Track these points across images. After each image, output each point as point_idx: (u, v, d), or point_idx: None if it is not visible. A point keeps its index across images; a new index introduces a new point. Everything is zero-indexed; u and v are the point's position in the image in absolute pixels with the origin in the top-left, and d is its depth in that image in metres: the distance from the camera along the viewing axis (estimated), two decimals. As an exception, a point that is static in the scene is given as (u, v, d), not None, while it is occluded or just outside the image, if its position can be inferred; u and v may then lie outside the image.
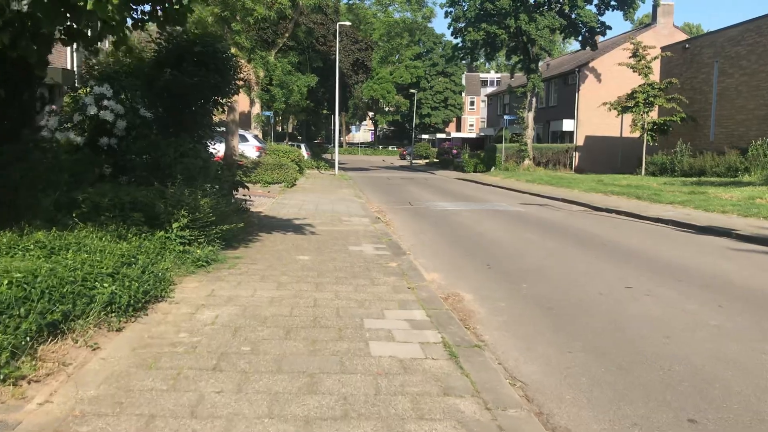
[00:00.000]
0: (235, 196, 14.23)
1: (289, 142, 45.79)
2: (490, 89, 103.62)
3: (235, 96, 13.34)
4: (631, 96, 33.93)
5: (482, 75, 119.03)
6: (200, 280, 7.16)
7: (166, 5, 6.44)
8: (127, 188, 8.13)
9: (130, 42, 9.73)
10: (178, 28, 9.88)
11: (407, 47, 52.61)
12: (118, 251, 6.18)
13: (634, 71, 34.16)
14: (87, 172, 9.96)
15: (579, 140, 46.51)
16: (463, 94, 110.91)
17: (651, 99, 33.10)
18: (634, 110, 33.53)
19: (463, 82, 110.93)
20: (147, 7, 6.61)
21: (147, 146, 9.63)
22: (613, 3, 40.56)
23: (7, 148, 7.19)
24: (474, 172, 44.57)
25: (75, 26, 6.25)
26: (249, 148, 28.60)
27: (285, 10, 35.42)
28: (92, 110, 11.33)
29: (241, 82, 13.05)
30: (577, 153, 46.30)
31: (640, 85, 34.02)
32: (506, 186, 29.26)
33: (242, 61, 12.40)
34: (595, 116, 45.93)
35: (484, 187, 29.72)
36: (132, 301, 5.42)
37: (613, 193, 23.27)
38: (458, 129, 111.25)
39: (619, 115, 35.49)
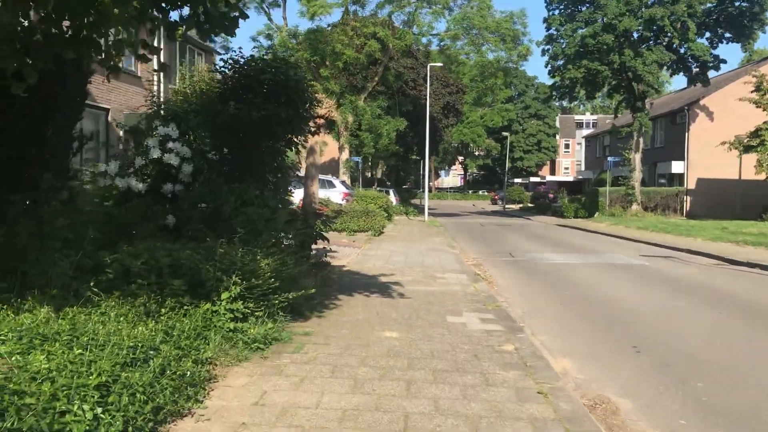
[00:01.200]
0: (316, 249, 12.53)
1: (378, 188, 44.44)
2: (585, 131, 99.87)
3: (316, 136, 11.72)
4: (756, 134, 30.47)
5: (577, 117, 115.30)
6: (251, 372, 5.29)
7: (208, 4, 4.75)
8: (170, 247, 6.45)
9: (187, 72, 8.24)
10: (233, 46, 8.34)
11: (501, 89, 50.72)
12: (131, 340, 4.40)
13: (758, 107, 30.73)
14: (142, 225, 8.48)
15: (690, 183, 42.75)
16: (557, 137, 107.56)
17: (779, 137, 29.59)
18: (759, 149, 30.01)
19: (557, 124, 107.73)
20: (185, 10, 4.94)
21: (206, 194, 8.02)
22: (728, 35, 37.27)
23: (18, 198, 5.65)
24: (575, 217, 41.60)
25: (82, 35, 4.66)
26: (336, 194, 27.22)
27: (375, 54, 34.41)
28: (156, 153, 9.96)
29: (320, 120, 11.40)
30: (688, 197, 42.52)
31: (765, 122, 30.53)
32: (616, 234, 26.41)
33: (322, 96, 10.70)
34: (707, 157, 42.13)
35: (591, 235, 26.97)
36: (131, 428, 3.57)
37: (746, 243, 20.16)
38: (552, 172, 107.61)
39: (740, 155, 31.94)
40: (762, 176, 32.86)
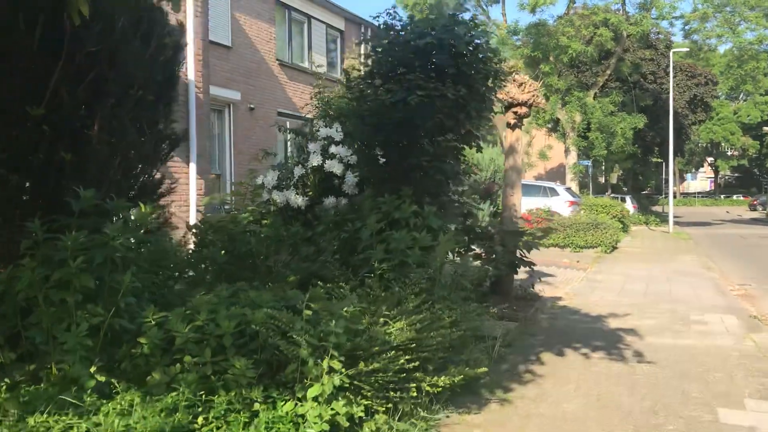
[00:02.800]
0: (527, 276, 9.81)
1: (611, 194, 39.75)
2: None
3: (516, 131, 8.97)
4: None
5: None
6: None
7: None
8: (256, 296, 4.21)
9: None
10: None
11: (764, 75, 42.88)
12: None
13: None
14: (281, 251, 6.51)
15: None
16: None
17: None
18: None
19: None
20: None
21: (341, 212, 5.78)
22: None
23: (33, 224, 3.81)
24: None
25: None
26: (560, 203, 23.90)
27: (606, 44, 30.38)
28: (316, 160, 8.02)
29: (521, 109, 8.65)
30: None
31: None
32: None
33: (519, 74, 7.96)
34: None
35: None
36: None
37: None
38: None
39: None
40: None
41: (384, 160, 6.92)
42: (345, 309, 3.75)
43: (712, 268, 15.38)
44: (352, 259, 5.29)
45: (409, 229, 5.47)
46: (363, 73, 6.65)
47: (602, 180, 57.04)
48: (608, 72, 33.37)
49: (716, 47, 34.09)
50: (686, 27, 33.15)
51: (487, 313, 6.16)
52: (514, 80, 8.51)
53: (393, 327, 3.89)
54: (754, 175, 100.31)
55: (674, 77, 43.24)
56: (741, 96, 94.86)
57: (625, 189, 54.66)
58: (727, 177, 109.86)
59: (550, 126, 35.46)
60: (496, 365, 5.78)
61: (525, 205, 21.57)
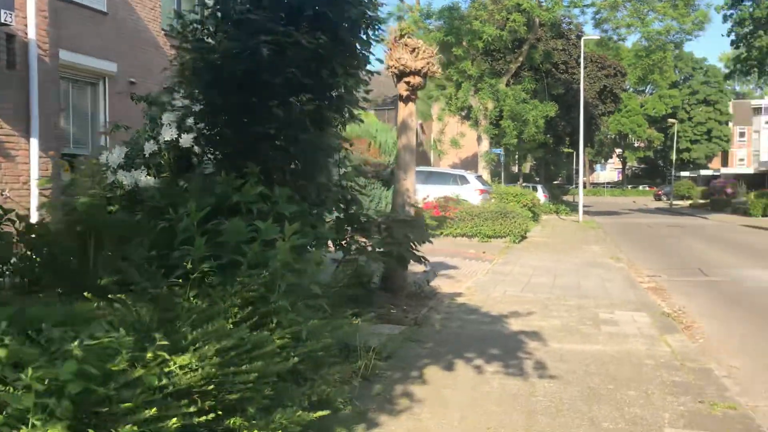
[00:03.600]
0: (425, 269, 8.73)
1: (523, 184, 39.65)
2: (764, 117, 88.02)
3: (410, 105, 7.82)
4: None
5: (754, 101, 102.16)
6: None
7: None
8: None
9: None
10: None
11: (670, 67, 43.87)
12: None
13: None
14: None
15: None
16: (731, 124, 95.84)
17: None
18: None
19: (731, 110, 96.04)
20: None
21: (165, 195, 4.45)
22: None
23: None
24: (764, 216, 34.49)
25: None
26: (470, 191, 23.11)
27: (519, 30, 29.85)
28: (170, 134, 6.60)
29: (415, 79, 7.51)
30: None
31: None
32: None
33: (412, 38, 6.76)
34: None
35: (800, 241, 20.89)
36: None
37: None
38: (723, 164, 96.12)
39: None
40: None
41: (230, 129, 5.58)
42: (90, 336, 2.44)
43: (621, 259, 14.85)
44: (170, 256, 3.98)
45: (252, 218, 4.21)
46: (204, 15, 5.28)
47: (515, 169, 57.40)
48: (521, 59, 32.99)
49: (626, 37, 34.08)
50: (597, 16, 33.07)
51: (362, 317, 4.97)
52: (405, 45, 7.35)
53: (174, 363, 2.63)
54: (659, 166, 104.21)
55: (585, 68, 43.49)
56: (647, 89, 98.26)
57: (537, 179, 55.15)
58: (634, 168, 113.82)
59: (463, 114, 34.84)
60: (365, 388, 4.61)
61: (435, 193, 20.69)
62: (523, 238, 18.93)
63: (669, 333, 6.96)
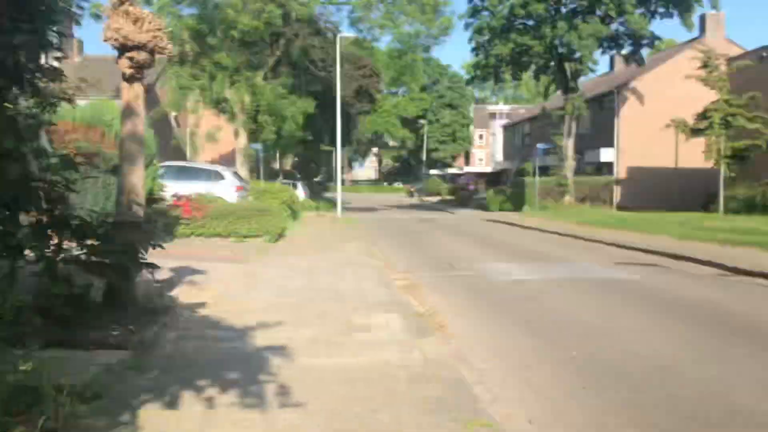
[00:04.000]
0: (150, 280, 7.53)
1: (283, 180, 39.15)
2: (499, 122, 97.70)
3: (136, 87, 6.62)
4: (704, 116, 27.25)
5: (490, 107, 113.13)
6: None
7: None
8: None
9: None
10: None
11: (420, 68, 46.53)
12: None
13: (705, 85, 27.53)
14: None
15: (620, 172, 39.84)
16: (471, 127, 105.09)
17: (729, 119, 26.41)
18: (708, 133, 26.79)
19: (471, 114, 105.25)
20: None
21: None
22: (660, 10, 34.15)
23: None
24: (500, 210, 37.82)
25: None
26: (225, 188, 21.87)
27: (275, 22, 29.12)
28: None
29: (140, 56, 6.35)
30: (618, 187, 39.59)
31: (714, 102, 27.39)
32: (560, 231, 22.40)
33: (135, 6, 5.55)
34: (638, 145, 39.36)
35: (532, 233, 22.87)
36: None
37: (727, 241, 16.43)
38: (466, 163, 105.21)
39: (688, 138, 28.69)
40: (704, 163, 29.97)
41: None
42: None
43: (377, 256, 14.81)
44: None
45: None
46: None
47: (277, 166, 56.87)
48: (278, 53, 32.37)
49: (380, 38, 35.17)
50: (352, 15, 33.60)
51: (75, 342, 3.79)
52: (127, 14, 6.14)
53: None
54: (411, 164, 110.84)
55: (342, 67, 44.18)
56: (401, 91, 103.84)
57: (299, 176, 55.23)
58: (389, 166, 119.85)
59: (221, 107, 33.28)
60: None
61: (187, 190, 19.16)
62: (282, 236, 18.28)
63: (422, 336, 6.64)
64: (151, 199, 18.44)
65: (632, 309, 8.79)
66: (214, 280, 10.25)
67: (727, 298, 9.68)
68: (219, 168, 23.84)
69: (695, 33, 39.06)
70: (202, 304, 8.05)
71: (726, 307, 8.98)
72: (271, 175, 44.05)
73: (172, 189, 20.52)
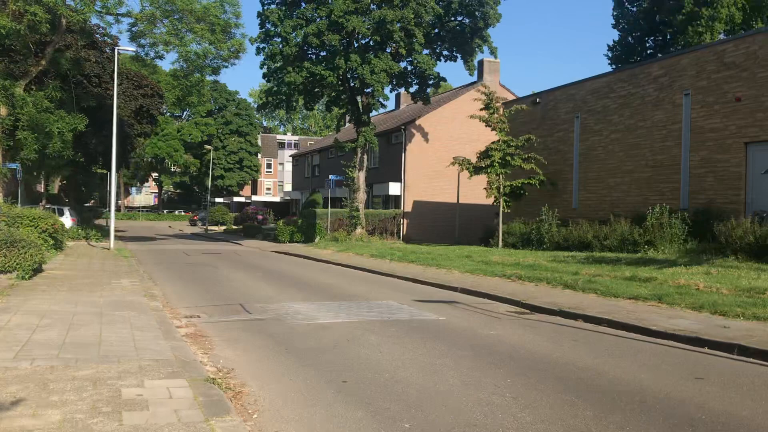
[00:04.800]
0: None
1: (47, 206, 34.60)
2: (288, 151, 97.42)
3: None
4: (486, 154, 28.60)
5: (279, 137, 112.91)
6: None
7: None
8: None
9: None
10: None
11: (207, 90, 44.23)
12: None
13: (487, 125, 28.98)
14: None
15: (407, 206, 40.96)
16: (260, 156, 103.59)
17: (508, 158, 27.97)
18: (490, 171, 28.12)
19: (259, 142, 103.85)
20: None
21: None
22: (445, 53, 35.85)
23: None
24: (291, 242, 36.79)
25: None
26: (-33, 212, 18.36)
27: (41, 27, 25.62)
28: None
29: None
30: (405, 220, 40.63)
31: (494, 143, 28.88)
32: (352, 264, 21.82)
33: None
34: (423, 179, 40.89)
35: (327, 267, 22.02)
36: None
37: (520, 278, 16.83)
38: (254, 192, 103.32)
39: (471, 176, 29.92)
40: (483, 199, 31.57)
41: None
42: None
43: (156, 296, 12.87)
44: None
45: None
46: None
47: (41, 188, 50.73)
48: (44, 62, 28.60)
49: (163, 54, 32.62)
50: (134, 29, 30.79)
51: None
52: None
53: None
54: (195, 191, 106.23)
55: (121, 84, 40.63)
56: (185, 115, 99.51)
57: (67, 200, 49.58)
58: (170, 193, 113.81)
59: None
60: None
61: None
62: (38, 271, 15.44)
63: (218, 414, 5.18)
64: None
65: (444, 356, 8.04)
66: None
67: (517, 334, 9.38)
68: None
69: (473, 78, 41.63)
70: None
71: (525, 345, 8.58)
72: (34, 200, 38.88)
73: None
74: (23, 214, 22.05)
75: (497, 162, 28.10)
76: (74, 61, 31.15)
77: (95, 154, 44.62)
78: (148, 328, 9.12)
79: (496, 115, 28.69)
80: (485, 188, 28.96)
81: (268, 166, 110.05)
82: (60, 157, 31.15)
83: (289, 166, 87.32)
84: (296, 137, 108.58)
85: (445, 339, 9.24)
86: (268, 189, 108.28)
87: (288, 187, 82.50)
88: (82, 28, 29.58)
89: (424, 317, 11.16)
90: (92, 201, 76.72)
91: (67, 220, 33.56)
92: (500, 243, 28.24)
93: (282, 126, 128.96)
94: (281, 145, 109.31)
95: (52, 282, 14.23)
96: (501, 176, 28.25)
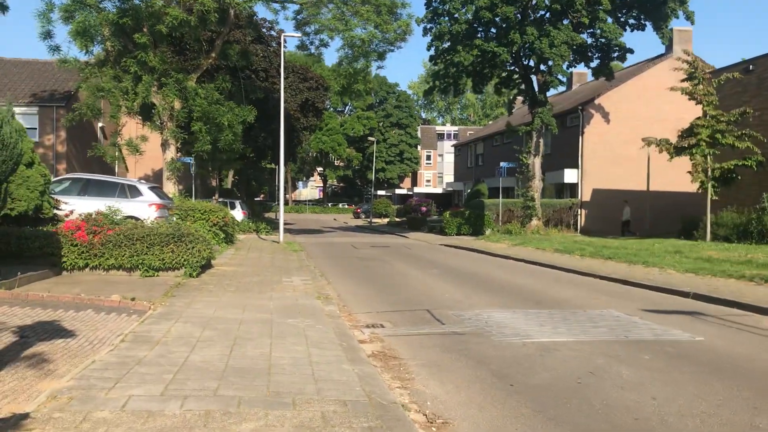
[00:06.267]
0: None
1: (219, 199, 35.00)
2: (447, 142, 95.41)
3: None
4: (690, 132, 24.60)
5: (438, 128, 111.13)
6: None
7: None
8: None
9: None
10: None
11: (372, 77, 43.25)
12: None
13: (691, 98, 24.91)
14: None
15: (585, 195, 37.22)
16: (419, 147, 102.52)
17: (717, 136, 23.81)
18: (695, 151, 24.10)
19: (419, 134, 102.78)
20: None
21: None
22: (632, 21, 31.76)
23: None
24: (458, 234, 34.58)
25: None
26: (141, 206, 17.92)
27: (209, 16, 25.25)
28: None
29: None
30: (583, 210, 36.94)
31: (699, 118, 24.82)
32: (537, 260, 19.14)
33: None
34: (603, 165, 36.88)
35: (507, 263, 19.54)
36: None
37: (754, 278, 13.40)
38: (414, 184, 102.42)
39: (671, 158, 25.93)
40: (675, 186, 27.50)
41: None
42: None
43: (330, 297, 11.15)
44: None
45: None
46: None
47: (215, 183, 52.57)
48: (213, 54, 28.45)
49: (328, 42, 31.53)
50: (299, 16, 29.99)
51: None
52: None
53: None
54: (357, 185, 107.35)
55: (287, 78, 40.46)
56: (347, 110, 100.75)
57: (238, 194, 50.95)
58: (334, 186, 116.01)
59: (147, 114, 29.06)
60: None
61: (94, 207, 15.12)
62: (206, 267, 14.39)
63: None
64: (32, 217, 14.33)
65: (744, 406, 5.37)
66: (75, 351, 6.41)
67: None
68: (136, 182, 19.73)
69: (661, 50, 37.08)
70: (17, 422, 4.23)
71: None
72: (208, 194, 39.81)
73: (75, 207, 16.46)
74: (195, 207, 21.67)
75: (704, 141, 24.05)
76: (243, 53, 30.98)
77: (264, 148, 45.17)
78: (327, 343, 7.26)
79: (701, 86, 24.59)
80: (689, 171, 24.95)
81: (428, 157, 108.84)
82: (231, 150, 31.10)
83: (449, 157, 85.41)
84: (455, 128, 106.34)
85: (727, 373, 6.51)
86: (428, 181, 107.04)
87: (449, 178, 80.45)
88: (250, 21, 29.19)
89: (672, 336, 8.41)
90: (262, 195, 79.42)
91: (238, 213, 33.75)
92: (708, 236, 24.21)
93: (440, 117, 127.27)
94: (440, 136, 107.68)
95: (219, 280, 13.01)
96: (709, 157, 24.17)
